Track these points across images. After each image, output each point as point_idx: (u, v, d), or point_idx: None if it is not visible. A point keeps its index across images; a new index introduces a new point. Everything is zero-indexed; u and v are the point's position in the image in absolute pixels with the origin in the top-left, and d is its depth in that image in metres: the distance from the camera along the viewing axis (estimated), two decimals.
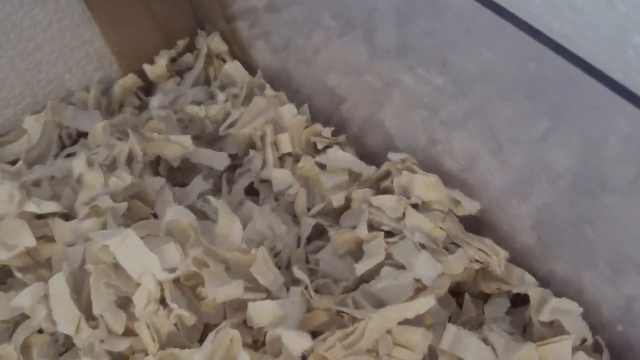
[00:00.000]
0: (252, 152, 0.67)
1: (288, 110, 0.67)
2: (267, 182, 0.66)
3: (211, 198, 0.54)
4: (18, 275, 0.56)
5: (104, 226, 0.56)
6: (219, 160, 0.66)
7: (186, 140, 0.65)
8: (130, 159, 0.64)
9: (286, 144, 0.66)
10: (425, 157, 0.57)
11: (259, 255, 0.51)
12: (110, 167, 0.64)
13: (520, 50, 0.41)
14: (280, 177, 0.64)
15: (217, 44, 0.75)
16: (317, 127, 0.66)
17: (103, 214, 0.57)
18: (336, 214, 0.61)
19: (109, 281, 0.51)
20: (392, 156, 0.57)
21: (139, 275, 0.50)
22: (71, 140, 0.74)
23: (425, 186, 0.55)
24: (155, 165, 0.67)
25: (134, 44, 0.77)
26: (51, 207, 0.57)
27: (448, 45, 0.47)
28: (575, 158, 0.44)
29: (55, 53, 0.73)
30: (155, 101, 0.69)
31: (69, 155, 0.70)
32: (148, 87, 0.78)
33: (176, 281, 0.51)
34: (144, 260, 0.50)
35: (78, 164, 0.61)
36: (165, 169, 0.67)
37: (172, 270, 0.50)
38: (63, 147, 0.73)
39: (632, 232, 0.43)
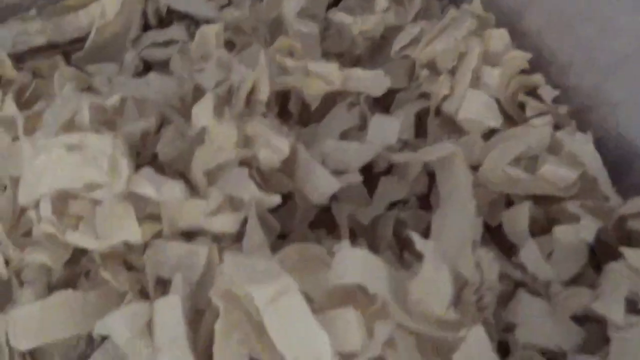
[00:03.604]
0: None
1: (501, 38, 0.45)
2: (448, 120, 0.45)
3: (415, 235, 0.33)
4: (105, 276, 0.38)
5: (241, 224, 0.38)
6: (375, 81, 0.44)
7: (333, 71, 0.43)
8: (251, 92, 0.42)
9: (492, 82, 0.44)
10: None
11: (469, 339, 0.32)
12: (223, 99, 0.42)
13: None
14: (477, 104, 0.43)
15: None
16: (538, 78, 0.45)
17: (241, 207, 0.38)
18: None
19: (245, 339, 0.32)
20: None
21: (295, 358, 0.31)
22: (158, 18, 0.53)
23: None
24: (283, 98, 0.45)
25: None
26: (175, 191, 0.37)
27: None
28: None
29: None
30: (292, 3, 0.45)
31: (155, 45, 0.50)
32: None
33: None
34: (306, 336, 0.31)
35: (201, 113, 0.40)
36: (298, 107, 0.45)
37: (349, 357, 0.31)
38: (146, 27, 0.52)
39: None
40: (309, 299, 0.34)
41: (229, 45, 0.48)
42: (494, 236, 0.43)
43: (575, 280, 0.40)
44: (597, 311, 0.37)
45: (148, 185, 0.37)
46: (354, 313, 0.32)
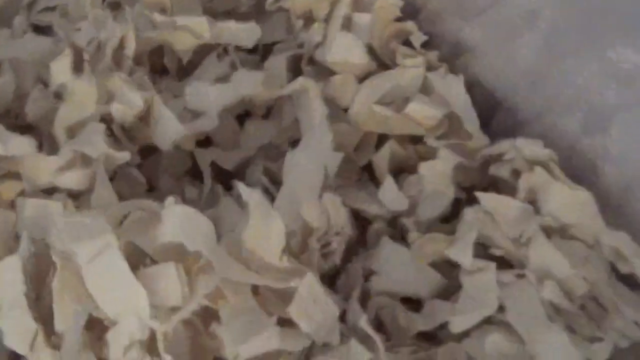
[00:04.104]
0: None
1: None
2: (322, 68, 0.42)
3: (240, 185, 0.30)
4: None
5: (91, 183, 0.35)
6: (246, 33, 0.41)
7: (201, 24, 0.41)
8: (121, 47, 0.39)
9: (363, 30, 0.41)
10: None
11: (301, 289, 0.29)
12: (94, 57, 0.39)
13: None
14: (344, 45, 0.40)
15: None
16: (409, 25, 0.42)
17: (91, 163, 0.35)
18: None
19: (78, 296, 0.29)
20: (523, 145, 0.33)
21: (115, 314, 0.28)
22: None
23: (568, 204, 0.33)
24: (157, 55, 0.42)
25: None
26: (23, 146, 0.36)
27: None
28: None
29: None
30: None
31: (47, 10, 0.47)
32: None
33: None
34: (125, 292, 0.28)
35: (59, 68, 0.38)
36: (174, 63, 0.41)
37: (170, 310, 0.28)
38: None
39: None
40: (142, 255, 0.31)
41: (114, 5, 0.45)
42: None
43: (447, 221, 0.37)
44: (450, 257, 0.33)
45: None
46: (174, 268, 0.29)
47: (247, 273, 0.31)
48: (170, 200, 0.31)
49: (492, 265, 0.33)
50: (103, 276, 0.30)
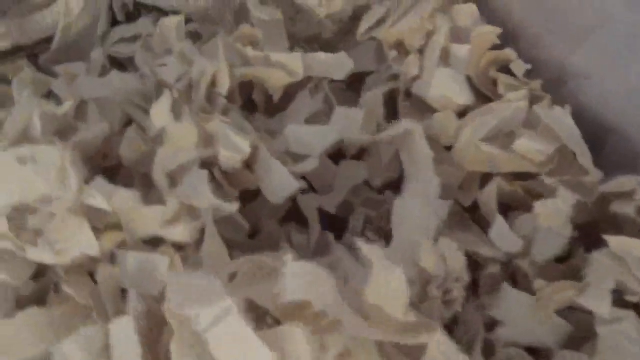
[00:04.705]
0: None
1: (469, 13, 0.40)
2: (419, 102, 0.39)
3: (361, 243, 0.29)
4: (68, 291, 0.34)
5: (200, 236, 0.33)
6: (337, 65, 0.38)
7: (296, 61, 0.38)
8: (212, 84, 0.37)
9: (462, 59, 0.38)
10: None
11: (431, 346, 0.27)
12: (185, 95, 0.37)
13: None
14: (445, 82, 0.38)
15: None
16: (509, 53, 0.39)
17: (199, 216, 0.33)
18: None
19: (198, 358, 0.28)
20: None
21: None
22: (125, 11, 0.47)
23: None
24: (246, 89, 0.40)
25: None
26: (127, 200, 0.34)
27: None
28: None
29: None
30: None
31: (123, 41, 0.45)
32: None
33: None
34: (251, 357, 0.26)
35: (159, 113, 0.36)
36: (263, 98, 0.40)
37: None
38: (114, 22, 0.47)
39: None
40: (263, 312, 0.29)
41: (196, 36, 0.43)
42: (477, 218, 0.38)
43: (561, 261, 0.35)
44: (583, 305, 0.31)
45: (99, 196, 0.33)
46: (302, 329, 0.28)
47: (374, 330, 0.29)
48: (288, 257, 0.30)
49: (632, 314, 0.31)
50: (227, 341, 0.28)
